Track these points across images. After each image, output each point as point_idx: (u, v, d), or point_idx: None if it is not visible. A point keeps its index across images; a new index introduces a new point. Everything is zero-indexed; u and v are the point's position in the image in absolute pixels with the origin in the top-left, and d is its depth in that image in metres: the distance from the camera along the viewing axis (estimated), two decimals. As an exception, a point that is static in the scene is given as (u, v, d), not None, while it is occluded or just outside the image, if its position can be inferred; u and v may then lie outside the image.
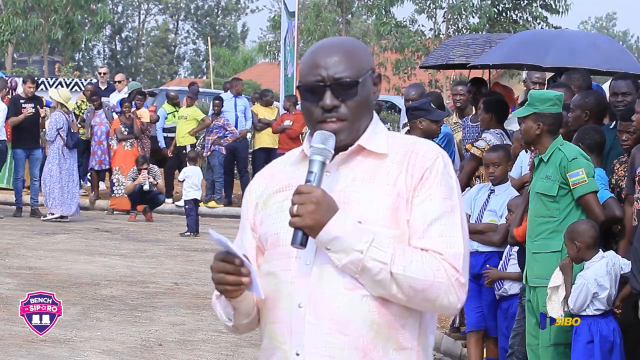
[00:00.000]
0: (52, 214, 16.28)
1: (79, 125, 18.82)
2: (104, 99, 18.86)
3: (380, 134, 2.87)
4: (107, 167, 18.27)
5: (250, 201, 2.97)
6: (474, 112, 10.23)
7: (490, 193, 7.79)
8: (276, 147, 18.86)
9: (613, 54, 9.71)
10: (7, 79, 19.27)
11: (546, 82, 10.08)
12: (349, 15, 33.01)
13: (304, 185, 2.73)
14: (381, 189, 2.78)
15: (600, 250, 6.32)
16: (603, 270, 6.24)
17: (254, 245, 2.93)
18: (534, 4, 26.85)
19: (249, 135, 19.78)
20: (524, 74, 11.70)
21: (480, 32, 24.84)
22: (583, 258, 6.26)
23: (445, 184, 2.79)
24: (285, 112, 19.10)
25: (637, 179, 6.32)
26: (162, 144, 19.04)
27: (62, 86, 22.12)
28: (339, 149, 2.81)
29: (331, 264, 2.73)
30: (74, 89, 22.17)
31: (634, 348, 6.33)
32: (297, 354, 2.75)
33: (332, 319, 2.72)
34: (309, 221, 2.68)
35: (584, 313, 6.25)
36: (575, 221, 6.32)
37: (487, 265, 7.53)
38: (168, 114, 19.23)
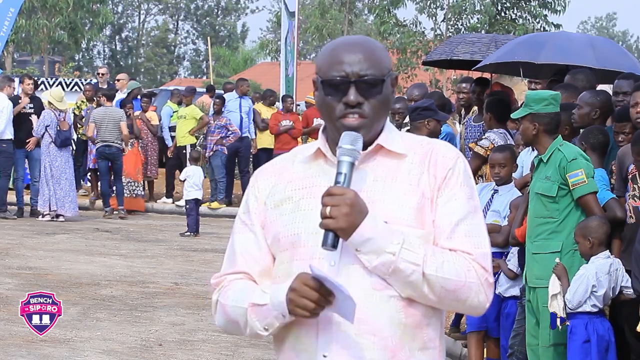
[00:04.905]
0: (44, 215, 16.25)
1: (79, 125, 18.85)
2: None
3: (394, 133, 2.86)
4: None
5: (259, 199, 2.89)
6: (479, 112, 10.20)
7: (494, 193, 7.76)
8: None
9: (611, 54, 9.68)
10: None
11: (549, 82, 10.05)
12: (352, 15, 32.97)
13: (335, 186, 2.68)
14: (405, 189, 2.76)
15: (608, 251, 6.31)
16: (606, 268, 6.24)
17: (264, 241, 2.86)
18: (533, 3, 26.83)
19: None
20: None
21: (481, 32, 24.83)
22: (593, 254, 6.27)
23: (467, 184, 2.80)
24: (286, 112, 18.97)
25: (630, 176, 6.30)
26: (169, 142, 19.02)
27: (62, 86, 22.12)
28: None
29: (357, 264, 2.71)
30: (74, 89, 22.14)
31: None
32: (325, 356, 2.73)
33: (361, 320, 2.69)
34: (343, 223, 2.65)
35: (580, 309, 6.25)
36: (586, 218, 6.31)
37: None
38: (174, 112, 19.15)
